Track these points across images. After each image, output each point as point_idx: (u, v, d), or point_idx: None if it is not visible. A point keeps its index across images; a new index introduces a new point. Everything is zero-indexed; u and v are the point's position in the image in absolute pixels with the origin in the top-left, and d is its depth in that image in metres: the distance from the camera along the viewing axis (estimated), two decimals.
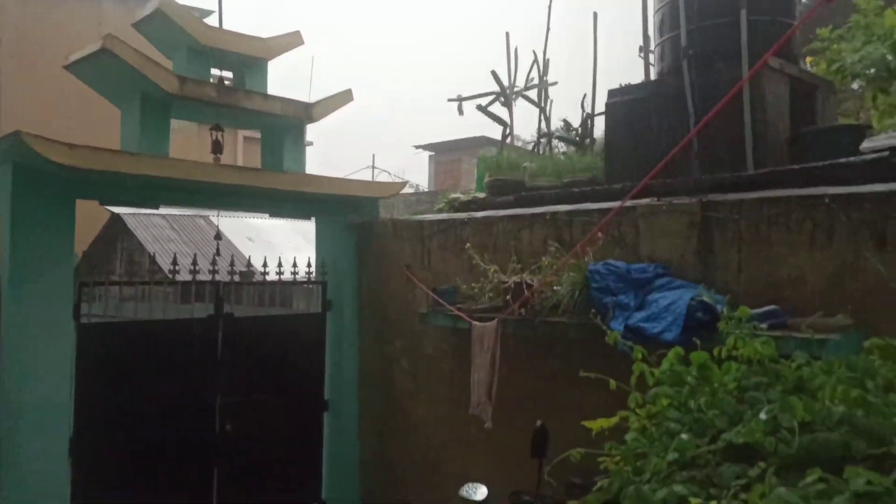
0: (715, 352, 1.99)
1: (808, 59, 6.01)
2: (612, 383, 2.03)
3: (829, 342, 2.78)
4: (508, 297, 4.00)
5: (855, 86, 7.49)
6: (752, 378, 1.71)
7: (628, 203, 3.93)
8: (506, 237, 4.47)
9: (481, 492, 3.00)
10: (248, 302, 5.66)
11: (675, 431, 1.64)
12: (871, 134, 4.55)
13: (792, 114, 4.35)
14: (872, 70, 5.60)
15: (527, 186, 5.27)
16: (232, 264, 4.89)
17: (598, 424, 2.02)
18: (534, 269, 4.02)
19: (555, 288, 3.78)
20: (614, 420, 2.01)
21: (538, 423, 2.73)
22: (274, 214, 5.28)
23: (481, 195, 5.45)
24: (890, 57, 5.13)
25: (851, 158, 3.58)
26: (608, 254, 3.89)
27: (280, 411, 5.16)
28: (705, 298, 3.25)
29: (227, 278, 4.88)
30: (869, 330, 2.96)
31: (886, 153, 3.44)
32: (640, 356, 1.92)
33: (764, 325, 3.11)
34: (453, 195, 5.62)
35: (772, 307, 3.16)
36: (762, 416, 1.52)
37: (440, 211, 5.42)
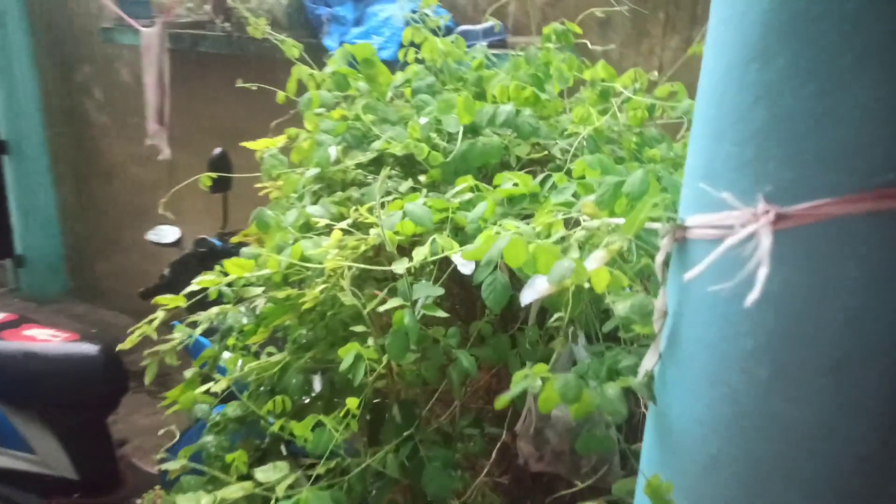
0: (399, 56, 1.65)
1: None
2: (280, 95, 1.62)
3: None
4: (209, 6, 3.27)
5: None
6: (424, 78, 1.41)
7: None
8: None
9: (172, 234, 2.60)
10: None
11: (327, 145, 1.32)
12: None
13: None
14: None
15: None
16: None
17: (260, 145, 1.64)
18: None
19: None
20: (280, 139, 1.64)
21: (216, 150, 2.31)
22: None
23: None
24: None
25: None
26: None
27: None
28: (426, 10, 2.88)
29: None
30: (582, 44, 2.87)
31: None
32: (296, 54, 1.51)
33: (485, 43, 2.90)
34: None
35: (491, 23, 2.90)
36: (421, 120, 1.24)
37: None
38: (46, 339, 2.45)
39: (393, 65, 1.67)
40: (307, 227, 1.23)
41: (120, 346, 1.07)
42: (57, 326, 2.63)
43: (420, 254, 0.88)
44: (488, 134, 1.29)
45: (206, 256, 2.16)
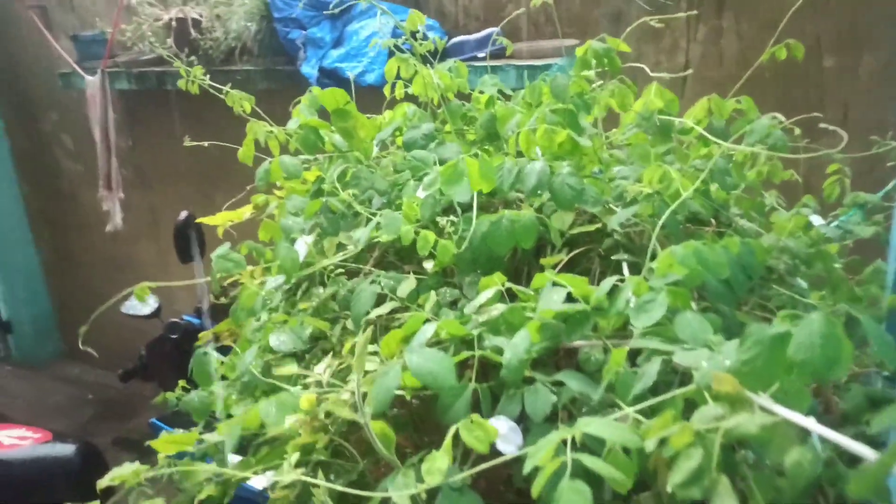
0: (386, 92, 1.31)
1: None
2: (243, 154, 1.27)
3: (552, 67, 2.27)
4: (170, 41, 2.94)
5: None
6: (420, 125, 1.06)
7: None
8: None
9: (149, 304, 2.27)
10: None
11: (296, 232, 0.98)
12: None
13: None
14: None
15: None
16: None
17: (219, 219, 1.30)
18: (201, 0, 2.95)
19: (228, 24, 2.80)
20: (246, 210, 1.31)
21: (182, 214, 1.98)
22: None
23: None
24: None
25: None
26: None
27: None
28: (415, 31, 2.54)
29: None
30: None
31: None
32: (248, 109, 1.15)
33: (483, 54, 2.55)
34: None
35: (491, 30, 2.55)
36: (420, 192, 0.90)
37: None
38: (15, 444, 2.13)
39: (381, 89, 1.33)
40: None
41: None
42: (32, 424, 2.31)
43: (439, 462, 0.54)
44: (514, 202, 0.95)
45: (182, 340, 1.84)
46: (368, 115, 1.32)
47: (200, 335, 1.34)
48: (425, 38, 1.33)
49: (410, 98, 1.25)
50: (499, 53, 2.51)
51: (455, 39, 2.55)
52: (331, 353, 0.77)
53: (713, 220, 0.99)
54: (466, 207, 0.91)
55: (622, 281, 0.72)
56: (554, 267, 0.84)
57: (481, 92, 1.15)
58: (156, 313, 2.30)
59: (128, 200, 3.82)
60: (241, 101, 1.12)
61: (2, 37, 3.89)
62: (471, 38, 2.52)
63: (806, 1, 2.22)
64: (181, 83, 1.14)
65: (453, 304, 0.89)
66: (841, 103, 2.24)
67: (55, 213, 4.22)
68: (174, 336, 1.89)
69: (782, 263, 0.98)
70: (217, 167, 3.38)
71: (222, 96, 1.13)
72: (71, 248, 4.26)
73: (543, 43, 2.48)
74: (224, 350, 1.24)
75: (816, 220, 1.43)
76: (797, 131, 1.23)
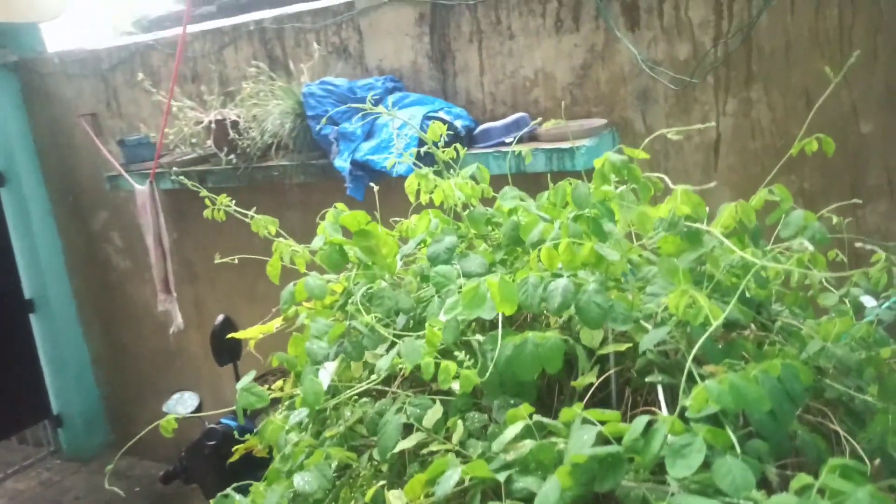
0: (411, 199, 1.31)
1: None
2: (271, 271, 1.26)
3: (579, 150, 2.27)
4: (209, 141, 3.06)
5: None
6: (443, 238, 1.05)
7: None
8: (205, 61, 3.41)
9: (190, 403, 2.26)
10: None
11: (320, 357, 0.97)
12: None
13: None
14: None
15: None
16: None
17: (251, 333, 1.31)
18: (239, 101, 3.07)
19: (264, 124, 2.90)
20: (276, 323, 1.31)
21: (219, 317, 2.00)
22: None
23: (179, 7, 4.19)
24: None
25: None
26: (331, 70, 3.05)
27: None
28: (442, 115, 2.59)
29: None
30: (621, 124, 2.53)
31: None
32: (272, 231, 1.17)
33: (510, 139, 2.57)
34: (143, 14, 4.28)
35: (519, 115, 2.58)
36: (442, 315, 0.88)
37: (127, 34, 4.10)
38: None
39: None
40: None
41: None
42: None
43: None
44: (541, 322, 0.92)
45: (220, 445, 1.83)
46: (395, 220, 1.33)
47: (234, 449, 1.32)
48: (449, 142, 1.33)
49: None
50: (530, 136, 2.53)
51: (482, 126, 2.59)
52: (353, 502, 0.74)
53: (752, 325, 0.94)
54: (493, 323, 0.89)
55: (657, 409, 0.68)
56: (584, 392, 0.81)
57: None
58: (197, 411, 2.29)
59: (180, 293, 3.91)
60: (266, 224, 1.14)
61: (57, 145, 4.12)
62: (498, 124, 2.55)
63: (838, 67, 2.18)
64: (207, 213, 1.17)
65: (483, 430, 0.86)
66: (884, 168, 2.17)
67: (104, 307, 4.34)
68: (212, 443, 1.88)
69: (832, 368, 0.92)
70: (256, 259, 3.45)
71: (248, 220, 1.15)
72: (120, 341, 4.36)
73: (571, 124, 2.49)
74: (261, 462, 1.21)
75: (868, 301, 1.35)
76: (836, 220, 1.19)
